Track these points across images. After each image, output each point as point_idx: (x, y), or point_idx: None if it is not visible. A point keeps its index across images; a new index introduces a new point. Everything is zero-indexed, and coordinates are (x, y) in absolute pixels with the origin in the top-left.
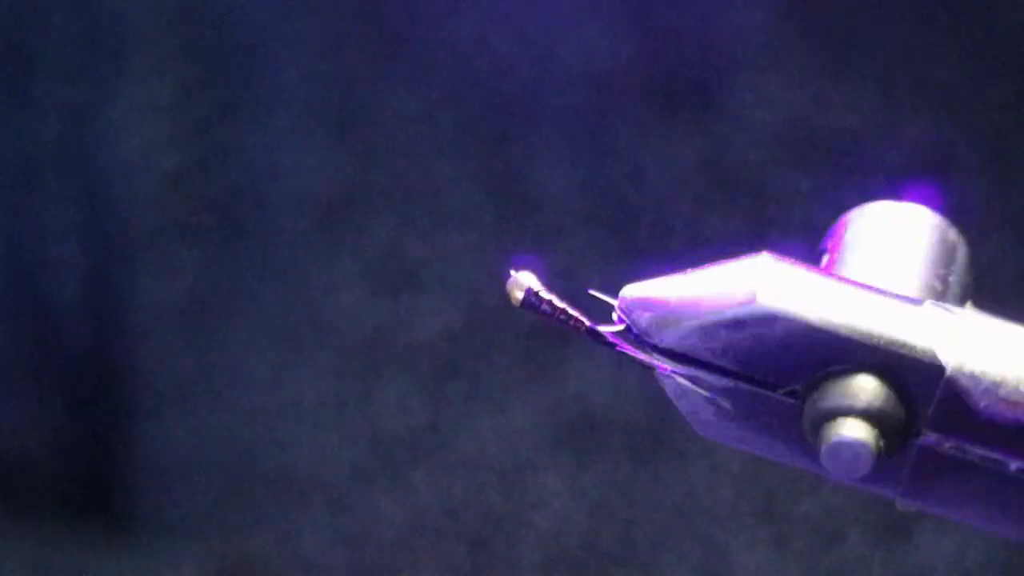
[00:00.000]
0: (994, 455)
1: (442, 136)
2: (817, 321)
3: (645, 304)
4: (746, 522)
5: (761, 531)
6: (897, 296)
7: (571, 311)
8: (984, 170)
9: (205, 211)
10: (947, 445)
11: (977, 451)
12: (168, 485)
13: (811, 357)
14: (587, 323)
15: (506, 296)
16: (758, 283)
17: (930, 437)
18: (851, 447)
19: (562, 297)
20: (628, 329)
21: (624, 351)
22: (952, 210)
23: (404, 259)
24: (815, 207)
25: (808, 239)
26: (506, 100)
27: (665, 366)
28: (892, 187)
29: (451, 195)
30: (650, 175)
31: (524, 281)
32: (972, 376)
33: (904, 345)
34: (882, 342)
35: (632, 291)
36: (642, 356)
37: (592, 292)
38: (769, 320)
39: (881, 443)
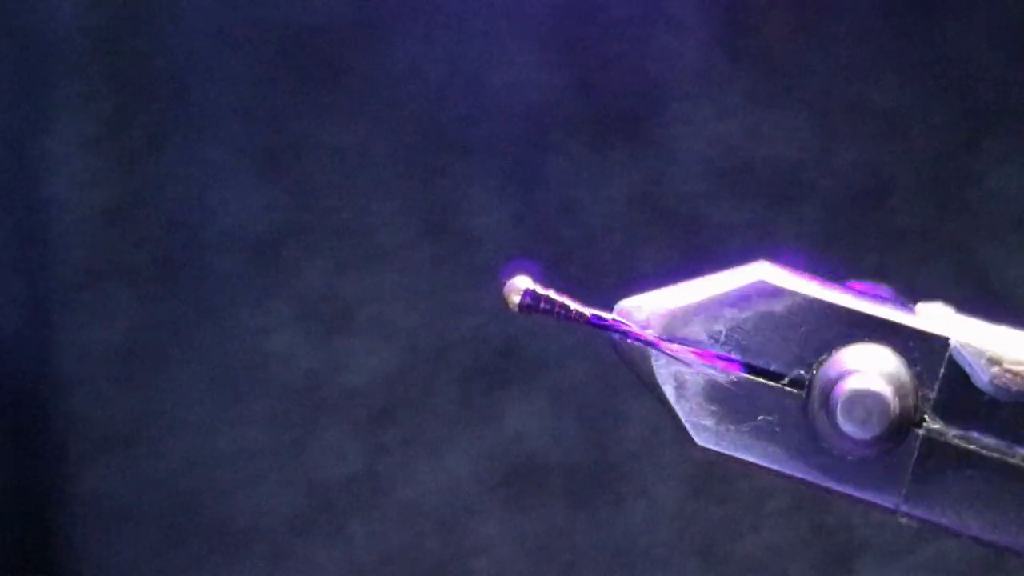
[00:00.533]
0: (998, 442)
1: (375, 171)
2: (823, 297)
3: (645, 304)
4: (686, 563)
5: (702, 572)
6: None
7: (571, 304)
8: (921, 196)
9: (137, 249)
10: (951, 434)
11: (981, 439)
12: (104, 534)
13: (816, 337)
14: (588, 314)
15: (445, 338)
16: (763, 271)
17: (935, 425)
18: (868, 398)
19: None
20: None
21: (630, 335)
22: (890, 238)
23: (338, 300)
24: (751, 238)
25: None
26: (439, 132)
27: (671, 348)
28: (828, 217)
29: (385, 233)
30: (582, 209)
31: (520, 284)
32: (975, 349)
33: (908, 320)
34: (886, 318)
35: (628, 302)
36: (648, 338)
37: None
38: (775, 295)
39: (896, 403)
